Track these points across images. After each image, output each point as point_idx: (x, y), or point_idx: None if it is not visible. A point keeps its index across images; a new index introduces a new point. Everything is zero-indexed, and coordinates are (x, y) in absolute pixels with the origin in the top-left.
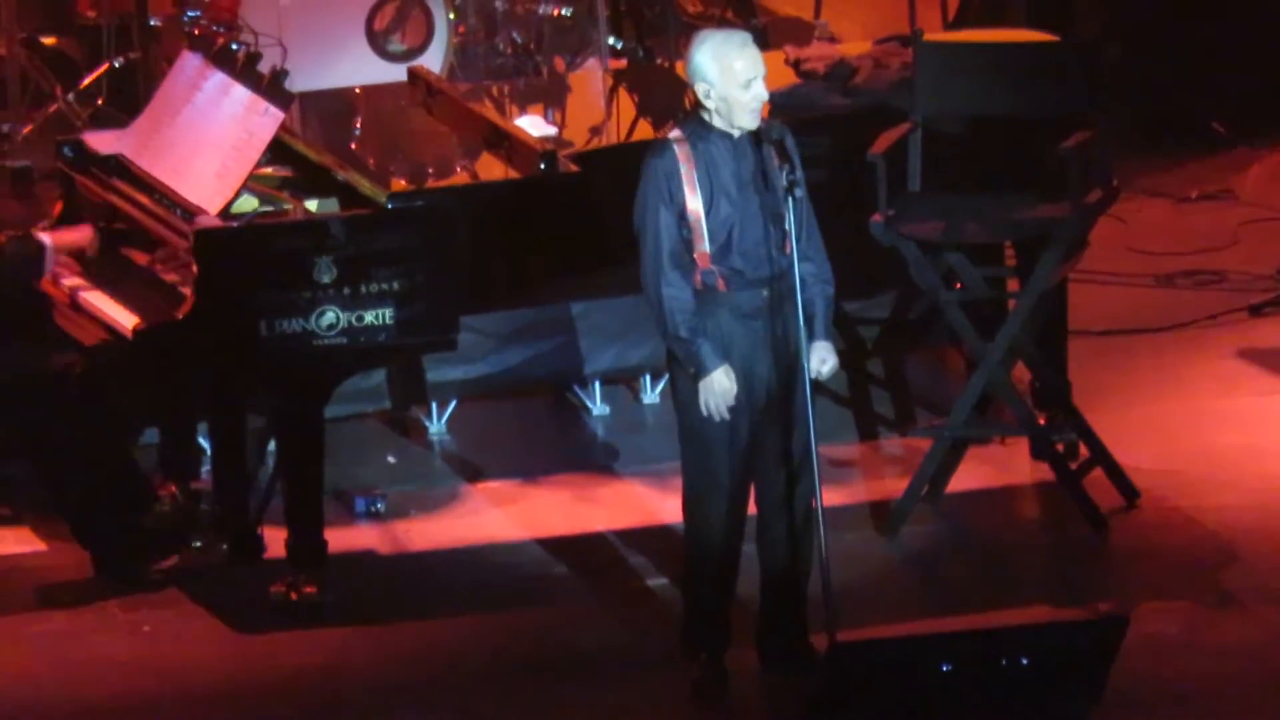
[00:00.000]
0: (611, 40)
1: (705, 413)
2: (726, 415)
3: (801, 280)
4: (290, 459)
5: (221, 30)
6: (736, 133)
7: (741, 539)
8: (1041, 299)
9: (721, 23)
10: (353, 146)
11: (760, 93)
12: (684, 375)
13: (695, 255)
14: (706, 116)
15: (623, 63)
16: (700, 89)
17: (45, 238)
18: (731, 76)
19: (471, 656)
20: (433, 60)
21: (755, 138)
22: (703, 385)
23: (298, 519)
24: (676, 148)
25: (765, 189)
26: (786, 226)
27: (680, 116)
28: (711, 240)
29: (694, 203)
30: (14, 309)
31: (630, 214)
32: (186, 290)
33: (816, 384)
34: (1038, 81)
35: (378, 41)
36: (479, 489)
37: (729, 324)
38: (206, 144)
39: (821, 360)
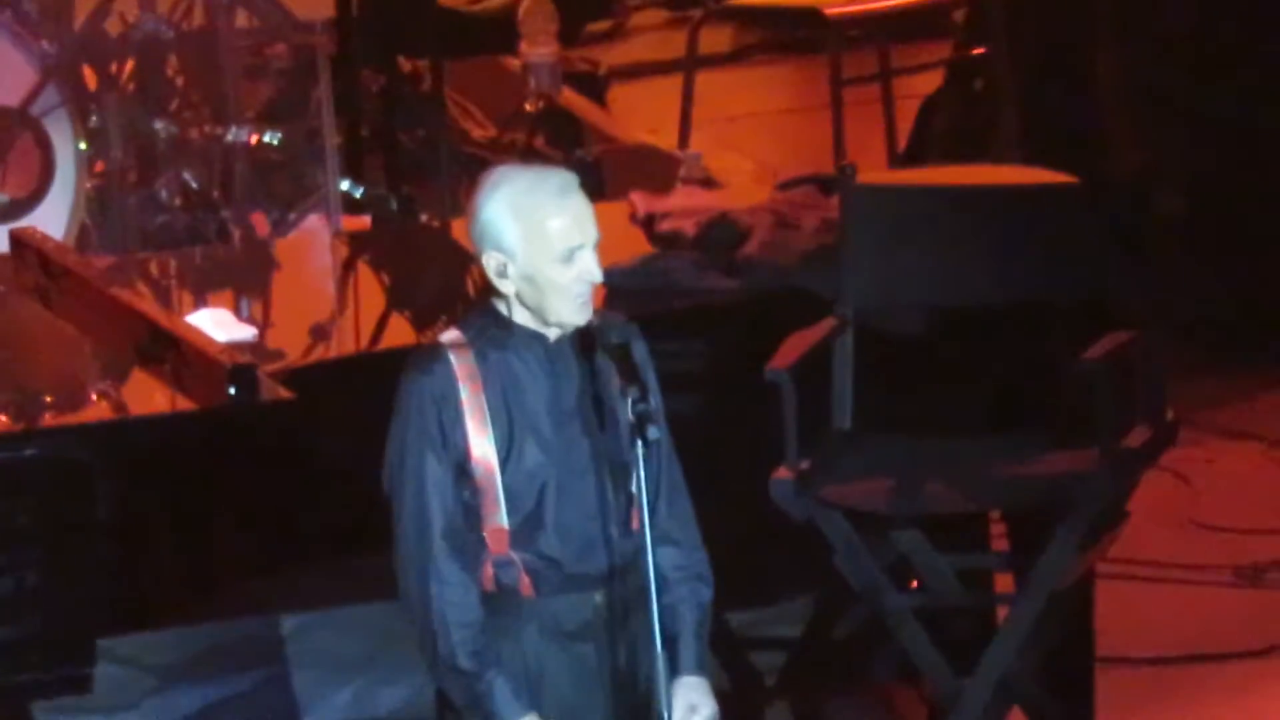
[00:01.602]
0: (346, 185)
1: None
2: None
3: (659, 576)
4: None
5: None
6: (552, 334)
7: None
8: (1052, 605)
9: (527, 156)
10: None
11: (590, 269)
12: None
13: (485, 533)
14: (504, 308)
15: (365, 220)
16: (493, 263)
17: None
18: (543, 243)
19: None
20: (53, 218)
21: (584, 343)
22: None
23: None
24: (455, 359)
25: (599, 426)
26: (634, 488)
27: (461, 310)
28: (511, 510)
29: (482, 448)
30: None
31: (378, 467)
32: None
33: None
34: (1042, 249)
35: None
36: None
37: (538, 648)
38: None
39: (691, 707)
